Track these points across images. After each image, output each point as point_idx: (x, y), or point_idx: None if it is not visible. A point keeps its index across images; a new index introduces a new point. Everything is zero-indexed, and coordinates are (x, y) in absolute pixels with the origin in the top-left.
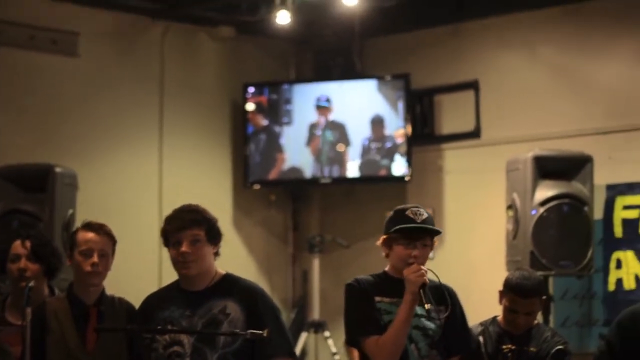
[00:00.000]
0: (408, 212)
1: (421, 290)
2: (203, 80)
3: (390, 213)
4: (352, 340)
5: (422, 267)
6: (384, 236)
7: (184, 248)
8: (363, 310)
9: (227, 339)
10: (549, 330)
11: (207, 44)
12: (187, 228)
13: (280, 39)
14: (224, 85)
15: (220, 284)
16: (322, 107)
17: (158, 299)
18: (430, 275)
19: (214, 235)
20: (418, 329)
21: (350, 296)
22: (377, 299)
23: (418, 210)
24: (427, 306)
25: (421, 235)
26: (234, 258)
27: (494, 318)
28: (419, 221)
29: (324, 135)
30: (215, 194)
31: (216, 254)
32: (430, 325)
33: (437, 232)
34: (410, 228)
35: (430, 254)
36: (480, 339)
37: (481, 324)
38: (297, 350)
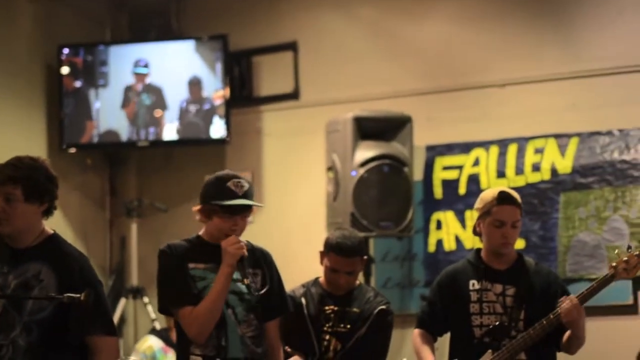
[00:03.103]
0: (230, 184)
1: (240, 264)
2: (17, 42)
3: (210, 178)
4: (165, 310)
5: (240, 238)
6: (202, 205)
7: None
8: (176, 279)
9: (35, 306)
10: (372, 290)
11: (21, 5)
12: (1, 184)
13: None
14: (39, 47)
15: (42, 246)
16: (140, 74)
17: None
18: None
19: (34, 194)
20: (235, 294)
21: (163, 264)
22: (191, 265)
23: (240, 182)
24: (245, 281)
25: (243, 210)
26: (50, 223)
27: (316, 279)
28: (240, 194)
29: (141, 98)
30: None
31: (47, 212)
32: (246, 289)
33: (259, 206)
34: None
35: (250, 218)
36: (303, 300)
37: (303, 285)
38: (116, 316)
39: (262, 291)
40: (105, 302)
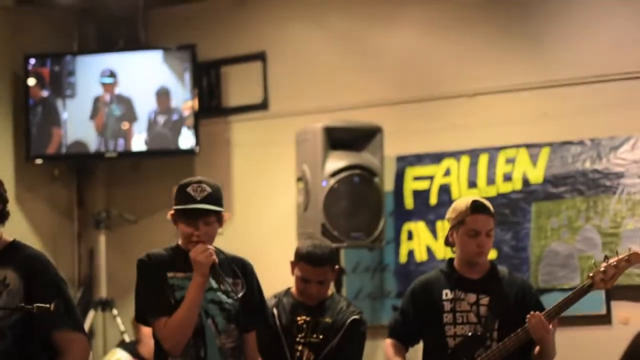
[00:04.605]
0: (189, 189)
1: (213, 271)
2: None
3: (176, 187)
4: (141, 319)
5: (209, 246)
6: (171, 212)
7: None
8: (153, 288)
9: (5, 311)
10: (344, 300)
11: None
12: None
13: (62, 9)
14: (4, 57)
15: (3, 252)
16: (107, 84)
17: None
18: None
19: None
20: (214, 303)
21: (141, 272)
22: (170, 274)
23: (200, 186)
24: (222, 287)
25: (202, 214)
26: (17, 235)
27: (288, 290)
28: (199, 198)
29: (110, 109)
30: None
31: (1, 216)
32: (227, 298)
33: (216, 212)
34: (187, 209)
35: (220, 230)
36: (275, 311)
37: (275, 296)
38: (85, 329)
39: (240, 294)
40: (70, 299)
